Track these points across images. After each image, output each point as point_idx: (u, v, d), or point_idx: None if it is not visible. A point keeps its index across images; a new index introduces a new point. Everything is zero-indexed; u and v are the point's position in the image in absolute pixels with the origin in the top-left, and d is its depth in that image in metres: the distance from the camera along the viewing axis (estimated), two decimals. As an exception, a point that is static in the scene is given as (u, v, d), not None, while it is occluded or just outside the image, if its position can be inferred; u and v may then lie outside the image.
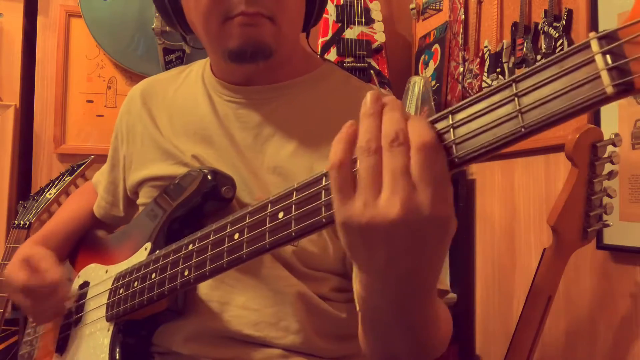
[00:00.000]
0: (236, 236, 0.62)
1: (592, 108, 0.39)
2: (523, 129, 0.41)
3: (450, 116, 0.46)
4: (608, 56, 0.37)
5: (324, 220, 0.51)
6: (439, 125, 0.46)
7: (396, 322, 0.56)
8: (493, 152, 0.43)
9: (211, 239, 0.67)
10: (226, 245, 0.63)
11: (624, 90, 0.37)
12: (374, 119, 0.47)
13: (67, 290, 0.90)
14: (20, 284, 0.88)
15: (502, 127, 0.42)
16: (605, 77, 0.37)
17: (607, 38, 0.38)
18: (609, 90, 0.37)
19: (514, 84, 0.42)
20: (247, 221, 0.60)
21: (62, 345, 0.92)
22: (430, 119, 0.47)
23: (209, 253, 0.66)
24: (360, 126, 0.47)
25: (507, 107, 0.42)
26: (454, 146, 0.45)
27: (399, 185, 0.44)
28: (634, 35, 0.37)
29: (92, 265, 0.94)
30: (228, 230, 0.64)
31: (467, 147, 0.44)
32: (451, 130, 0.45)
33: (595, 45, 0.38)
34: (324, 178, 0.52)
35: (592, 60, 0.38)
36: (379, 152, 0.45)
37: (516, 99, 0.42)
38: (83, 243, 1.04)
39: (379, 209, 0.44)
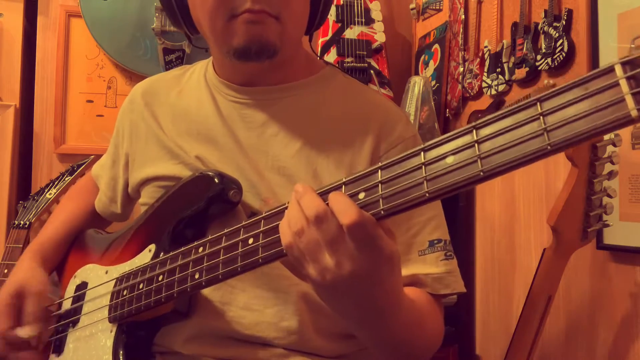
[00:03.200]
0: (250, 241, 0.63)
1: (616, 129, 0.40)
2: (549, 147, 0.43)
3: (474, 131, 0.47)
4: (632, 81, 0.39)
5: None
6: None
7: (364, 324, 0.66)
8: (517, 167, 0.45)
9: (223, 243, 0.67)
10: (240, 250, 0.64)
11: None
12: (296, 205, 0.56)
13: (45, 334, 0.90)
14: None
15: (528, 144, 0.44)
16: (630, 101, 0.39)
17: (631, 64, 0.39)
18: (634, 113, 0.39)
19: (538, 104, 0.44)
20: (262, 227, 0.62)
21: (59, 345, 0.91)
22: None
23: (221, 257, 0.67)
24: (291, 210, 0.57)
25: (532, 125, 0.44)
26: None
27: (339, 251, 0.54)
28: None
29: (90, 265, 0.93)
30: (241, 235, 0.65)
31: (492, 162, 0.46)
32: (476, 145, 0.47)
33: (619, 70, 0.40)
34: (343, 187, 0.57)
35: (616, 84, 0.40)
36: (308, 231, 0.54)
37: (541, 117, 0.43)
38: (74, 242, 1.02)
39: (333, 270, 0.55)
